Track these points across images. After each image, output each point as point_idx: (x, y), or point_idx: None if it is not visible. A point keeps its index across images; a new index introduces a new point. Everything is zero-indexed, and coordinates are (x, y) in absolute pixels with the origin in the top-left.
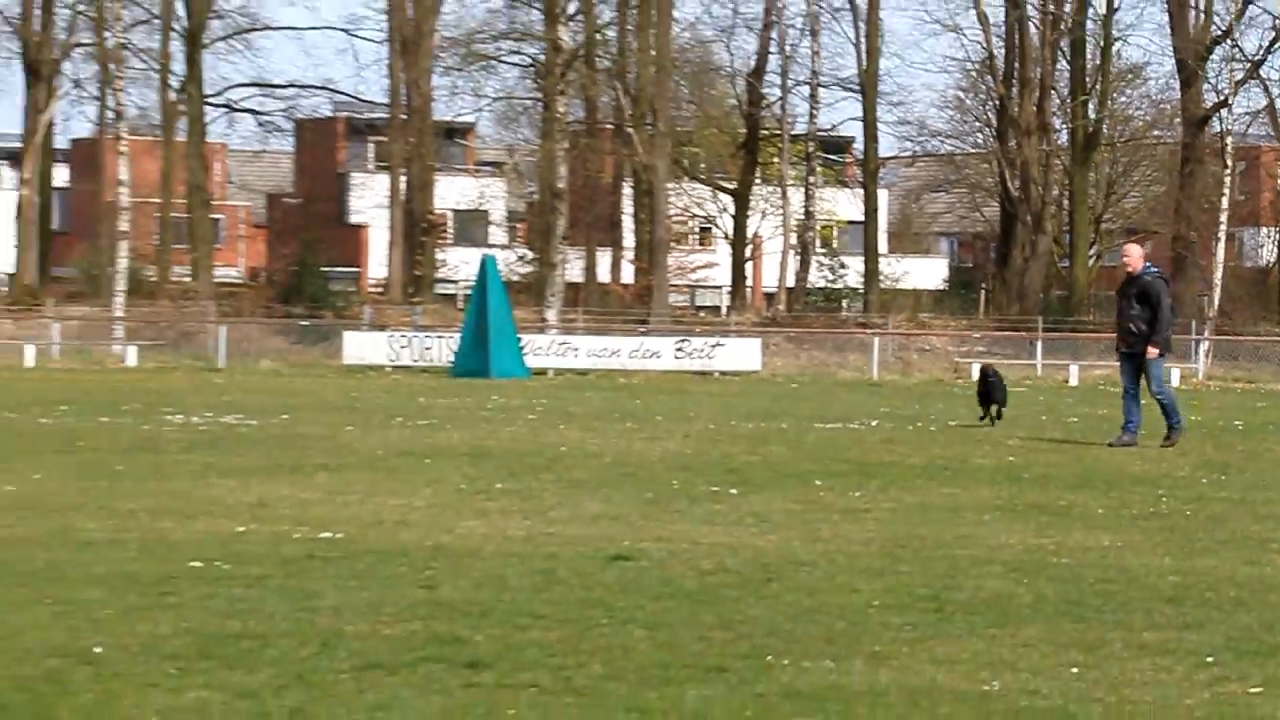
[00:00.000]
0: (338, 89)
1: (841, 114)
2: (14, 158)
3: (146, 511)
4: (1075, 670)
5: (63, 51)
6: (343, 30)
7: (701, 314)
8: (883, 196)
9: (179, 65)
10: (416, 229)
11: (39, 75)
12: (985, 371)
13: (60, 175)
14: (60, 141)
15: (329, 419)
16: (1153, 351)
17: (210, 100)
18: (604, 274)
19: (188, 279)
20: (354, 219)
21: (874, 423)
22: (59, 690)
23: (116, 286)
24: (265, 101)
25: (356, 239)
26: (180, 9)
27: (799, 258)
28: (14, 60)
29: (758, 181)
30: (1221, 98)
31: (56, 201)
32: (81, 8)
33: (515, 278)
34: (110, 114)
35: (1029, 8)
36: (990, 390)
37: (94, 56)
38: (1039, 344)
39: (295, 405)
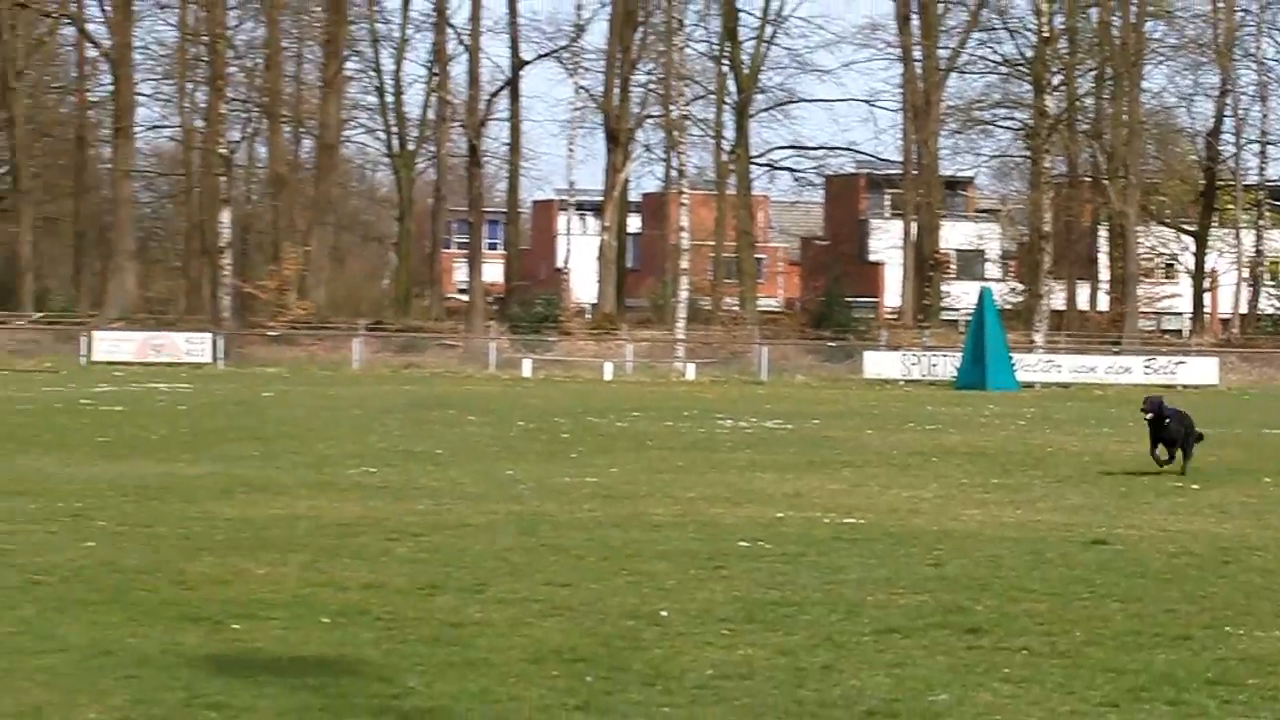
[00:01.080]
0: (860, 150)
1: None
2: (596, 209)
3: (703, 499)
4: None
5: (636, 122)
6: (864, 101)
7: (1166, 336)
8: None
9: (730, 132)
10: (925, 266)
11: (617, 141)
12: (1146, 406)
13: (633, 223)
14: (633, 195)
15: (852, 423)
16: None
17: (755, 160)
18: (1083, 303)
19: (736, 308)
20: (873, 258)
21: None
22: (632, 646)
23: (678, 314)
24: (800, 161)
25: (875, 274)
26: (731, 86)
27: (1250, 289)
28: (597, 129)
29: (1215, 224)
30: None
31: (630, 244)
32: (652, 86)
33: (1008, 306)
34: (674, 172)
35: None
36: (1160, 429)
37: (661, 125)
38: None
39: (824, 412)
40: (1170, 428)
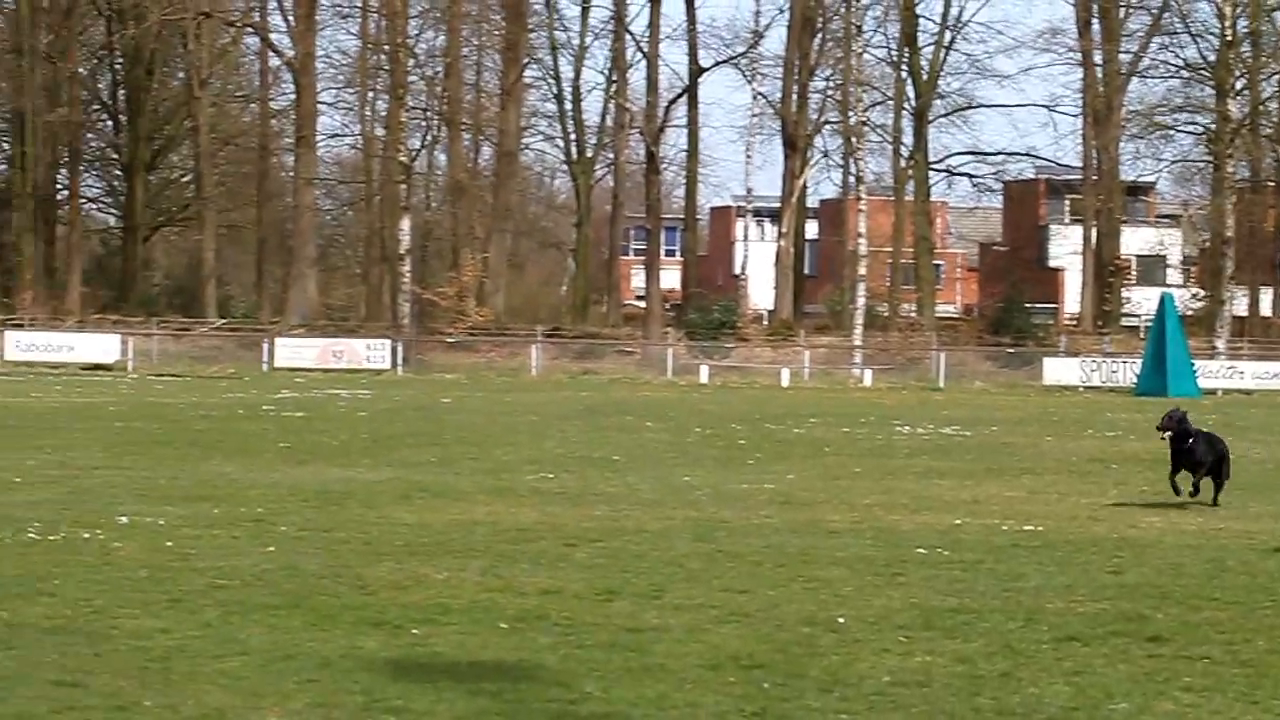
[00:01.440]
0: (1039, 155)
1: None
2: (774, 215)
3: (880, 506)
4: None
5: (814, 128)
6: (1044, 107)
7: None
8: None
9: (908, 138)
10: (1105, 271)
11: (795, 147)
12: (1164, 424)
13: (810, 229)
14: (811, 201)
15: (1030, 430)
16: None
17: (934, 166)
18: (1266, 309)
19: (914, 314)
20: (1052, 263)
21: None
22: (809, 652)
23: (855, 320)
24: (979, 166)
25: (1054, 280)
26: (910, 91)
27: None
28: (775, 136)
29: None
30: None
31: (807, 251)
32: (830, 92)
33: (1189, 312)
34: (852, 178)
35: None
36: (1182, 452)
37: (839, 132)
38: None
39: (1002, 419)
40: (1197, 450)
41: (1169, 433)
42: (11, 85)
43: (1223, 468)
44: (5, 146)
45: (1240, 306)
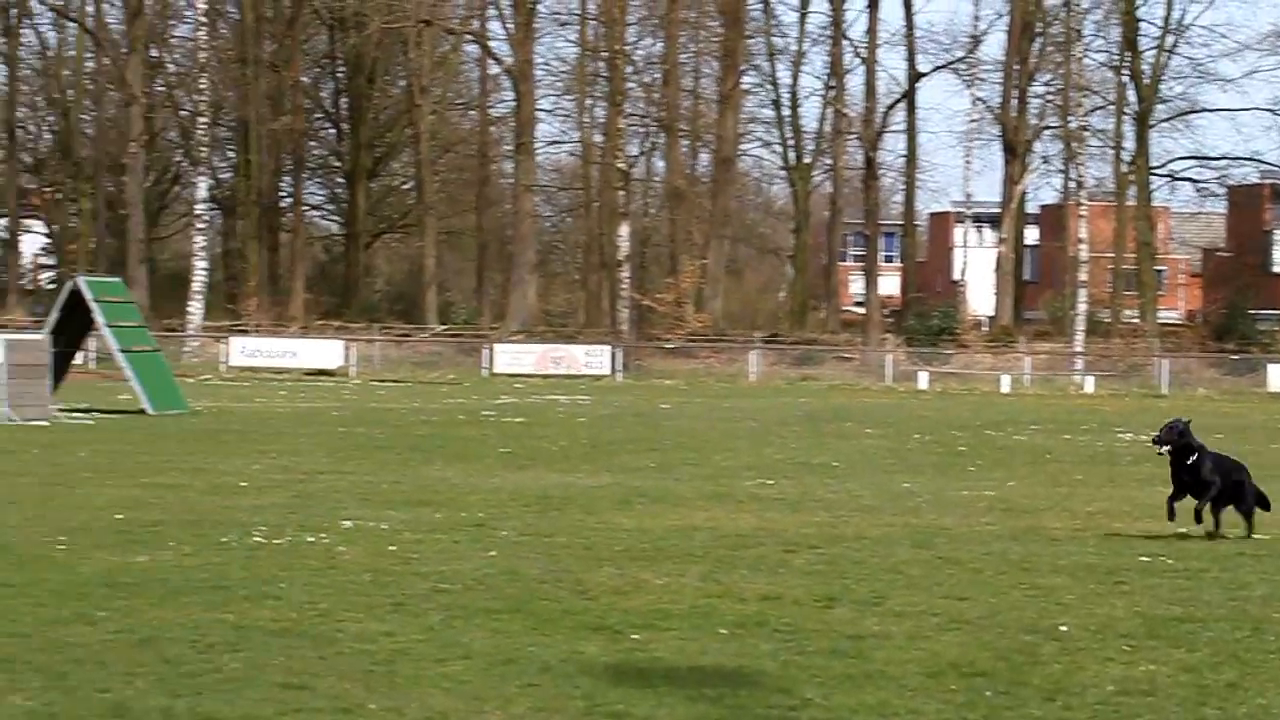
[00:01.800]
0: (1264, 160)
1: None
2: (993, 221)
3: (1103, 513)
4: None
5: (1034, 133)
6: (1269, 111)
7: None
8: None
9: (1129, 142)
10: None
11: (1014, 153)
12: (1161, 435)
13: (1030, 235)
14: (1031, 207)
15: (1256, 437)
16: None
17: (1155, 171)
18: None
19: (1136, 320)
20: (1277, 269)
21: None
22: (1031, 661)
23: (1076, 327)
24: (1202, 171)
25: (1279, 286)
26: (1131, 96)
27: None
28: (994, 141)
29: None
30: None
31: (1027, 256)
32: (1050, 97)
33: None
34: (1072, 183)
35: None
36: (1185, 471)
37: (1059, 137)
38: None
39: (1226, 426)
40: (1202, 469)
41: (1167, 447)
42: (237, 94)
43: (1242, 493)
44: (230, 155)
45: None
